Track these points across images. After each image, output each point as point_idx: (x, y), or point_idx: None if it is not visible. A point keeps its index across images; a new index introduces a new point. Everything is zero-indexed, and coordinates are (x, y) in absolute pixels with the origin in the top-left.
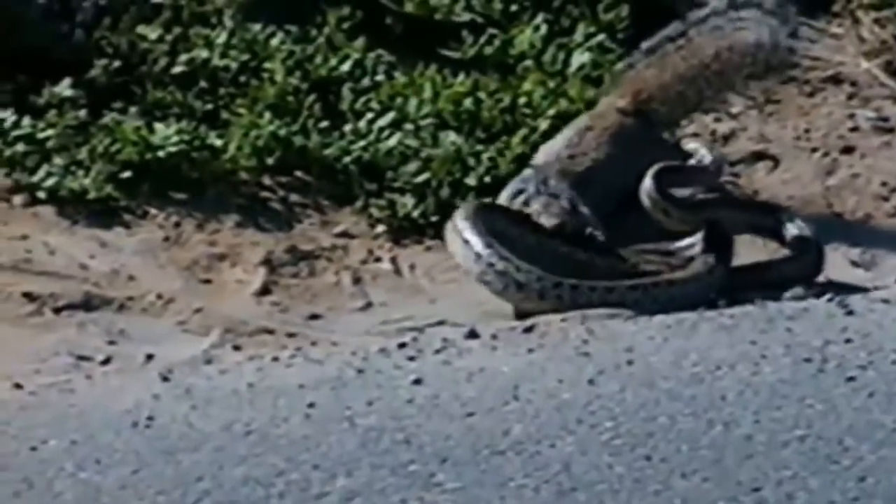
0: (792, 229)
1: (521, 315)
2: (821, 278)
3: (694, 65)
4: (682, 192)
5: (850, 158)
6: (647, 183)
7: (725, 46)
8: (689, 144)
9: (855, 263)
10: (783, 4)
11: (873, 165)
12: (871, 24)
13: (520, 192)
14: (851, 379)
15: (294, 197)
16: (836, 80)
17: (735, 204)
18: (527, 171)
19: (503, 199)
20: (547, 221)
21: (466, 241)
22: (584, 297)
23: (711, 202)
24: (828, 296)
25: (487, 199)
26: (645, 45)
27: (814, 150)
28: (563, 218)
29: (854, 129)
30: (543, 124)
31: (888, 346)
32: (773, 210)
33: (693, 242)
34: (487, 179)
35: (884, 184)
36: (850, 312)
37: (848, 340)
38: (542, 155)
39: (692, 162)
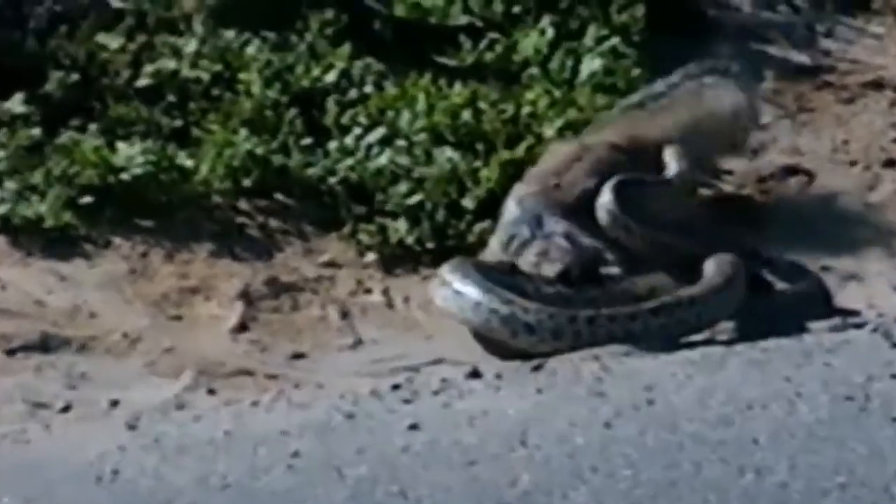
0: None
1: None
2: (862, 306)
3: (679, 126)
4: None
5: (894, 172)
6: (606, 196)
7: (706, 113)
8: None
9: None
10: (745, 70)
11: None
12: None
13: (513, 237)
14: None
15: (274, 222)
16: (878, 84)
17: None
18: (513, 210)
19: (495, 245)
20: (550, 269)
21: (458, 293)
22: (604, 330)
23: (676, 227)
24: (870, 326)
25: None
26: (633, 98)
27: (853, 163)
28: (566, 261)
29: None
30: (549, 132)
31: None
32: (754, 251)
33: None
34: (485, 199)
35: None
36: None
37: (894, 376)
38: (526, 186)
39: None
